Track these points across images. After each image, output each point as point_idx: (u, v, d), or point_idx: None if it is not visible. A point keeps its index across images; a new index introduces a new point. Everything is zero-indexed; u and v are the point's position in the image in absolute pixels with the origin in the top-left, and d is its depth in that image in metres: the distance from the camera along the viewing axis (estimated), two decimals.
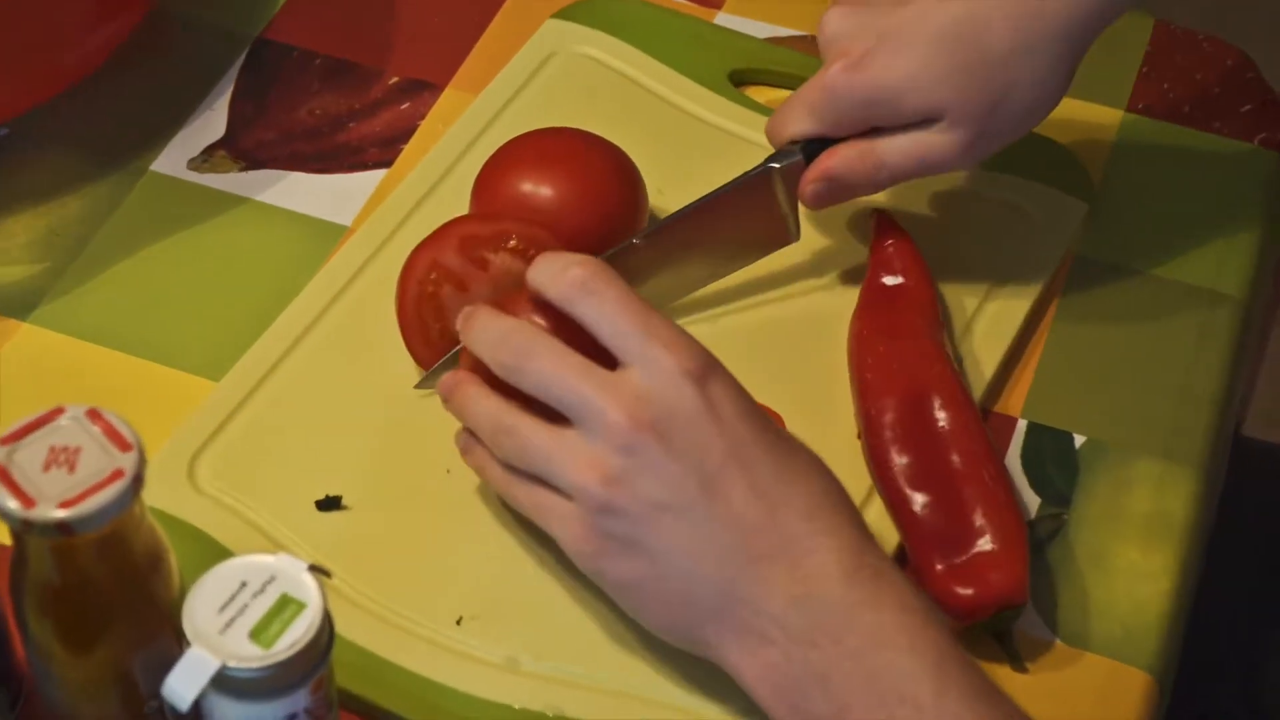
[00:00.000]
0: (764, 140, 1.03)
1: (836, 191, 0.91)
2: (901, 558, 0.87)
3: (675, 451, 0.75)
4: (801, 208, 0.94)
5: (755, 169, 0.92)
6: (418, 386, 0.91)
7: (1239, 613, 1.10)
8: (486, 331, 0.80)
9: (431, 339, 0.91)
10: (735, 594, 0.75)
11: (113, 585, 0.72)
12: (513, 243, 0.90)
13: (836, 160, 0.91)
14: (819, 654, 0.73)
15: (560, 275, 0.78)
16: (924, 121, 0.89)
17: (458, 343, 0.90)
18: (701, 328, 0.94)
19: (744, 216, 0.93)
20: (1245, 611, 1.12)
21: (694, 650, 0.78)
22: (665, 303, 0.94)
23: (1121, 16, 0.91)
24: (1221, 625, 0.93)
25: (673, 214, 0.93)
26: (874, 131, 0.90)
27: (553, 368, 0.77)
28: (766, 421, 0.78)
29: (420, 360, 0.91)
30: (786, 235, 0.94)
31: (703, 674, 0.80)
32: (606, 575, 0.77)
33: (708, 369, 0.76)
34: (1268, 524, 1.15)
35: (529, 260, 0.89)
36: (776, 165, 0.92)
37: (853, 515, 0.77)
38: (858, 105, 0.89)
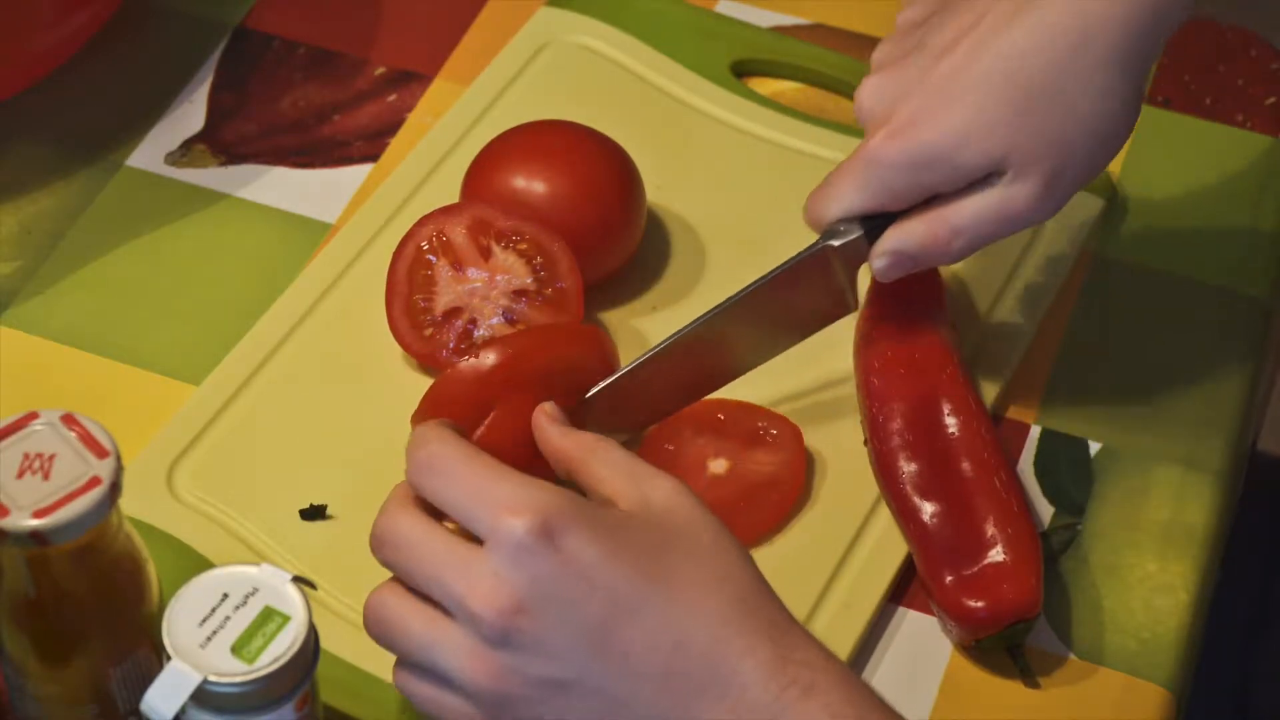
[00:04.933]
0: (767, 134, 1.04)
1: (908, 265, 0.87)
2: (910, 568, 0.88)
3: (550, 625, 0.72)
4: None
5: (811, 248, 0.88)
6: None
7: (1232, 623, 1.10)
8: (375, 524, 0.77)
9: (413, 309, 0.92)
10: None
11: (89, 597, 0.73)
12: (523, 245, 0.92)
13: (905, 236, 0.86)
14: None
15: (409, 459, 0.76)
16: (989, 177, 0.84)
17: (436, 320, 0.91)
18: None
19: (800, 296, 0.90)
20: (1238, 622, 1.13)
21: None
22: (716, 386, 0.91)
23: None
24: (1214, 635, 0.94)
25: (728, 298, 0.89)
26: (935, 199, 0.86)
27: (414, 556, 0.74)
28: (640, 541, 0.74)
29: (395, 329, 0.92)
30: (845, 307, 0.91)
31: None
32: None
33: (556, 519, 0.73)
34: (1266, 534, 1.16)
35: (533, 267, 0.91)
36: (835, 244, 0.88)
37: (762, 611, 0.74)
38: (909, 172, 0.85)
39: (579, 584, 0.73)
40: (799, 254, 0.89)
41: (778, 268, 0.89)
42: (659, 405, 0.91)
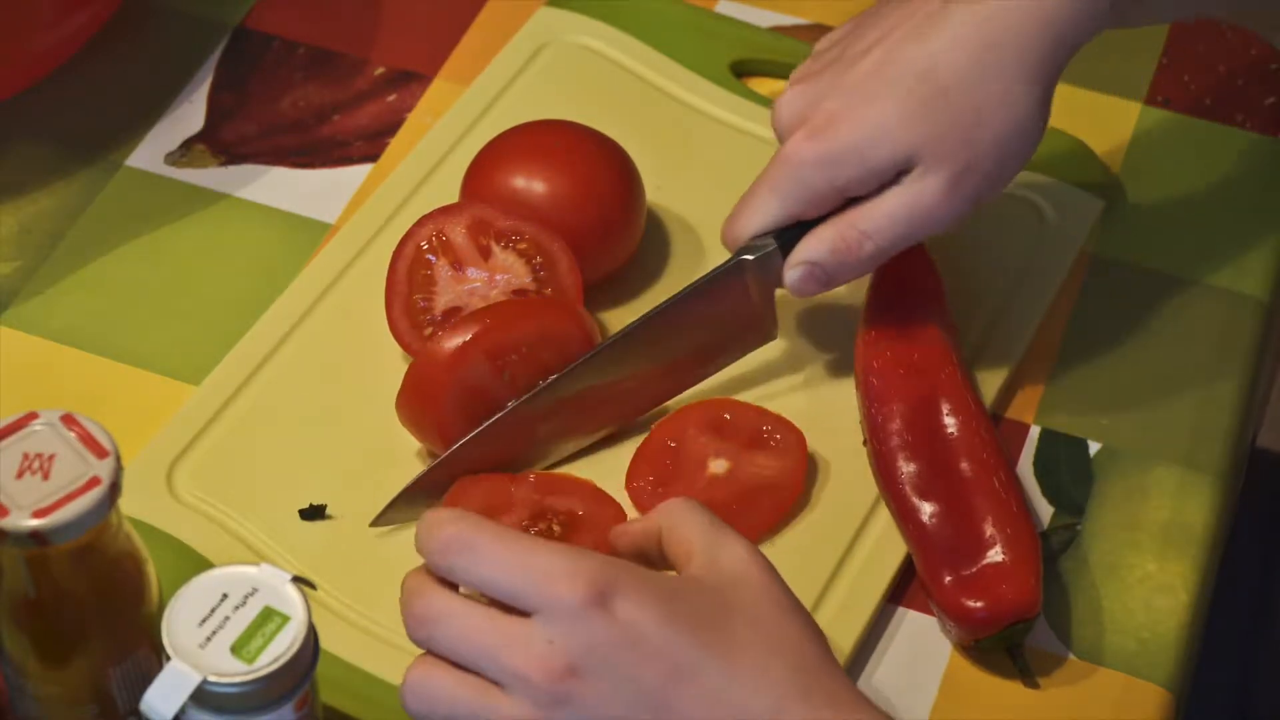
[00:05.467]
0: (767, 134, 1.04)
1: (821, 276, 0.88)
2: (909, 568, 0.88)
3: (608, 689, 0.71)
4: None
5: (724, 264, 0.89)
6: (373, 524, 0.88)
7: (1232, 623, 1.10)
8: (403, 592, 0.76)
9: (413, 309, 0.92)
10: None
11: (89, 597, 0.73)
12: (522, 245, 0.92)
13: (816, 243, 0.88)
14: None
15: (429, 542, 0.75)
16: (899, 176, 0.87)
17: (436, 319, 0.91)
18: None
19: (715, 317, 0.90)
20: (1237, 622, 1.13)
21: None
22: (631, 419, 0.92)
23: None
24: (1213, 635, 0.94)
25: (634, 321, 0.90)
26: (850, 205, 0.88)
27: (459, 631, 0.73)
28: (698, 606, 0.74)
29: (395, 329, 0.92)
30: (763, 334, 0.92)
31: None
32: None
33: (608, 586, 0.72)
34: (1266, 534, 1.16)
35: (532, 267, 0.92)
36: (749, 257, 0.89)
37: (824, 684, 0.74)
38: (823, 169, 0.87)
39: (635, 649, 0.71)
40: (713, 270, 0.90)
41: (692, 284, 0.90)
42: (579, 425, 0.91)
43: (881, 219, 0.87)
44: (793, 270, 0.88)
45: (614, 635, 0.71)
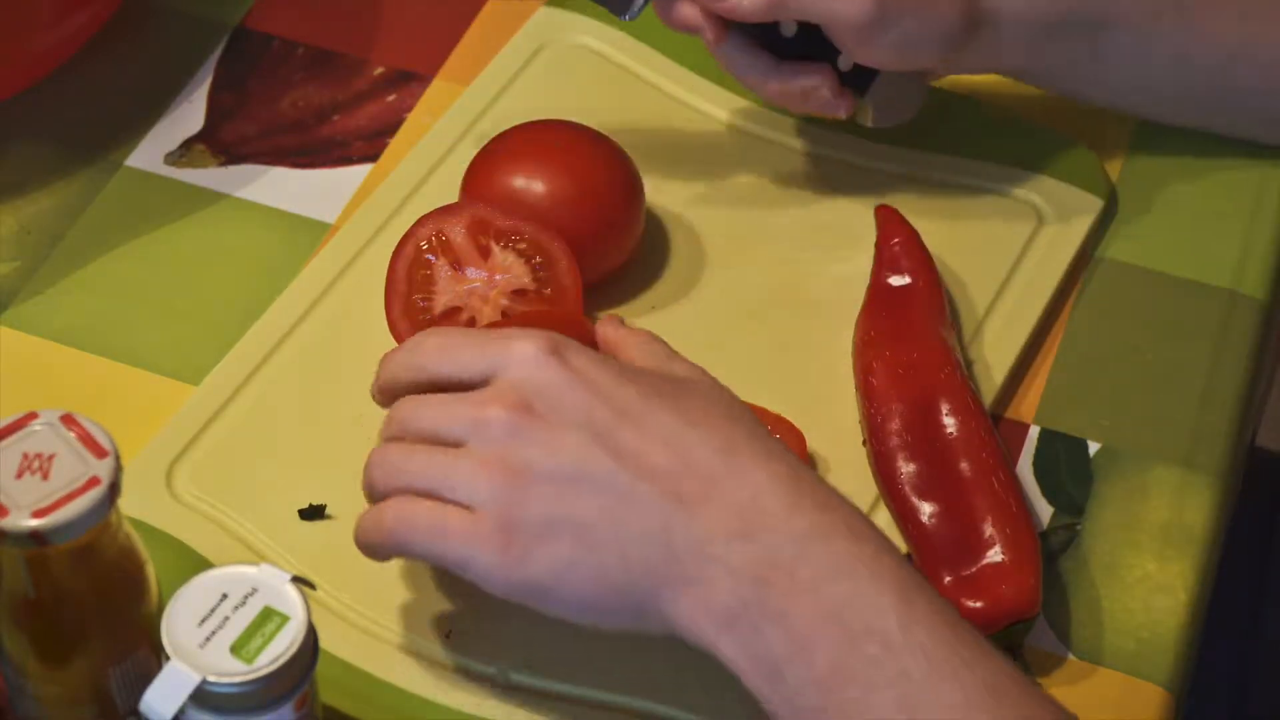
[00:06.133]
0: (770, 134, 1.05)
1: None
2: None
3: (563, 422, 0.76)
4: None
5: None
6: None
7: (1230, 622, 1.10)
8: (386, 425, 0.81)
9: (412, 309, 0.92)
10: (671, 544, 0.74)
11: (89, 597, 0.73)
12: (522, 245, 0.92)
13: None
14: (772, 591, 0.73)
15: (417, 351, 0.81)
16: None
17: (436, 319, 0.92)
18: (701, 333, 0.95)
19: None
20: (1236, 621, 1.13)
21: (644, 627, 0.76)
22: None
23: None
24: (1212, 634, 0.94)
25: None
26: None
27: (435, 411, 0.78)
28: (649, 377, 0.79)
29: (395, 329, 0.92)
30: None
31: (696, 685, 0.82)
32: (533, 571, 0.75)
33: (561, 346, 0.78)
34: (1264, 534, 1.16)
35: (532, 267, 0.92)
36: None
37: (775, 448, 0.77)
38: None
39: (587, 390, 0.77)
40: None
41: None
42: None
43: None
44: None
45: (567, 378, 0.77)
